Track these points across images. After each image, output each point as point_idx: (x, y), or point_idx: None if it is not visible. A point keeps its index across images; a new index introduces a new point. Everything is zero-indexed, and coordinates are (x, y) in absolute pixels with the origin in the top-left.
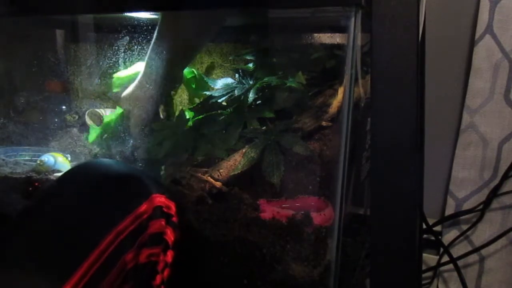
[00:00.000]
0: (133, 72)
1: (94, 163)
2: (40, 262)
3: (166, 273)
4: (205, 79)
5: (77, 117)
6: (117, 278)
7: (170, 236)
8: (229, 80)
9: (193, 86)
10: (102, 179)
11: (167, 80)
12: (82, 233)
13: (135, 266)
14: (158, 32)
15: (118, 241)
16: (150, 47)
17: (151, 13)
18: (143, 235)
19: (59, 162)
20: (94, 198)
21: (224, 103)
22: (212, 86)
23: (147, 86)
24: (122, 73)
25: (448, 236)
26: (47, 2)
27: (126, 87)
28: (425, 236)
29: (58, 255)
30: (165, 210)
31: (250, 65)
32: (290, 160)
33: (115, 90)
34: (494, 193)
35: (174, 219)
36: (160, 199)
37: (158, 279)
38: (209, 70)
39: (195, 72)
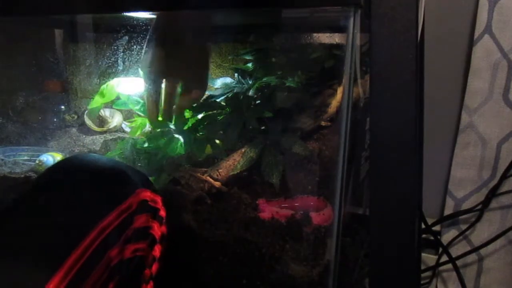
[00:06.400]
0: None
1: (79, 158)
2: (24, 258)
3: (154, 267)
4: None
5: (76, 117)
6: (103, 274)
7: (156, 230)
8: (228, 80)
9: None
10: (87, 174)
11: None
12: (66, 229)
13: (120, 261)
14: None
15: (103, 236)
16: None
17: (150, 13)
18: (128, 230)
19: None
20: (78, 193)
21: (223, 103)
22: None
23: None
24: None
25: (447, 236)
26: (47, 2)
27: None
28: (424, 235)
29: (42, 251)
30: (151, 204)
31: (249, 64)
32: (289, 160)
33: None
34: (493, 193)
35: (161, 213)
36: (145, 193)
37: (146, 273)
38: None
39: None
